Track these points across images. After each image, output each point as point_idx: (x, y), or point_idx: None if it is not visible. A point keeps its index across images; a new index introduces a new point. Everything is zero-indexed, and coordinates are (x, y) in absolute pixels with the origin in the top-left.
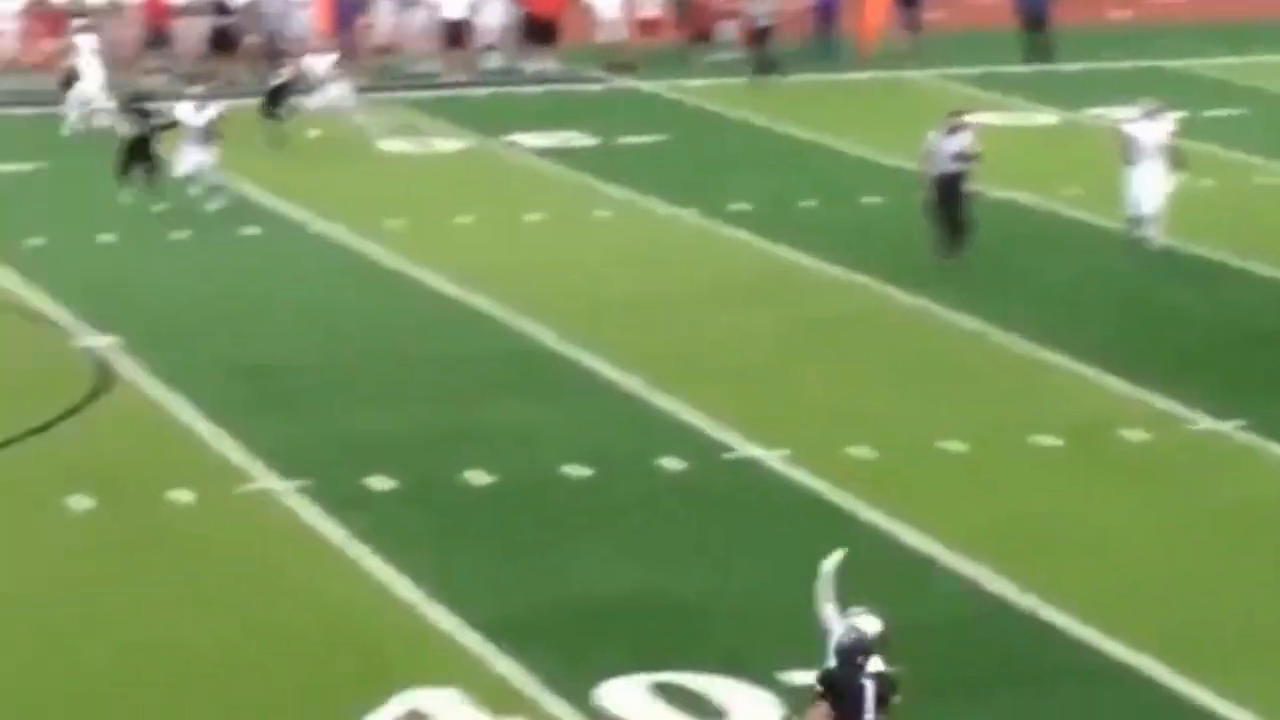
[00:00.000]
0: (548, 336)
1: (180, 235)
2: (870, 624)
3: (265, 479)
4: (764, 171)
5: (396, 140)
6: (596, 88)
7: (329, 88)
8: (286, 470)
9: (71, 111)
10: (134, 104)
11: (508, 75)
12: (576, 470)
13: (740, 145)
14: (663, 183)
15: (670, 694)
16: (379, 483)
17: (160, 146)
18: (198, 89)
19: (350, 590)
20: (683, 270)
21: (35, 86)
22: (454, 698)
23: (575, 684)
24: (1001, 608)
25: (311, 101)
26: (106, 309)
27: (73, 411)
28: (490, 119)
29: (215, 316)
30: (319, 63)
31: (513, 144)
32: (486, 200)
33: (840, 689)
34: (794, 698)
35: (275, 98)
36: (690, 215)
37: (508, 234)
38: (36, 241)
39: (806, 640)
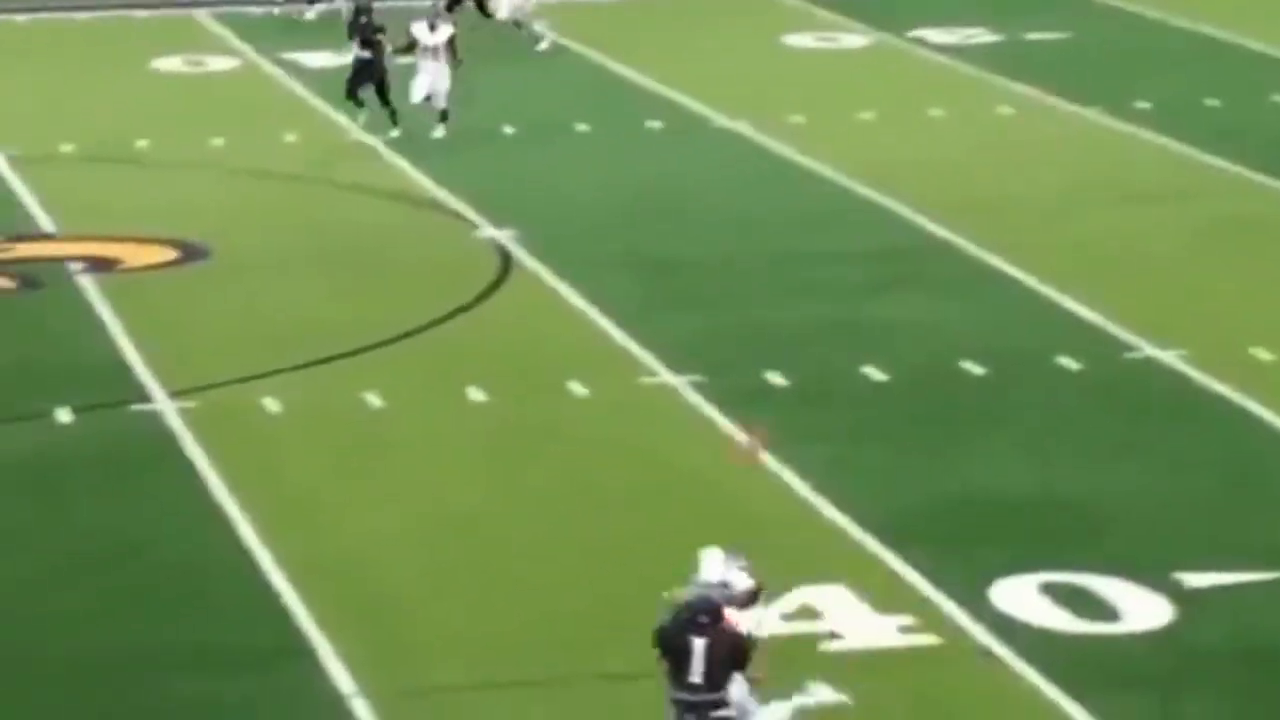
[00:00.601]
0: (947, 232)
1: (583, 128)
2: (736, 581)
3: (663, 373)
4: (1169, 69)
5: (799, 35)
6: None
7: None
8: (684, 365)
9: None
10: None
11: None
12: (973, 367)
13: (1145, 42)
14: (1066, 81)
15: (1061, 594)
16: (775, 378)
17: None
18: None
19: (745, 484)
20: (1084, 168)
21: None
22: (843, 594)
23: (965, 582)
24: None
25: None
26: (508, 201)
27: (474, 303)
28: (894, 14)
29: (615, 210)
30: None
31: (916, 40)
32: (889, 96)
33: (665, 650)
34: (1186, 601)
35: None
36: (1093, 114)
37: (909, 130)
38: (437, 134)
39: (1202, 543)
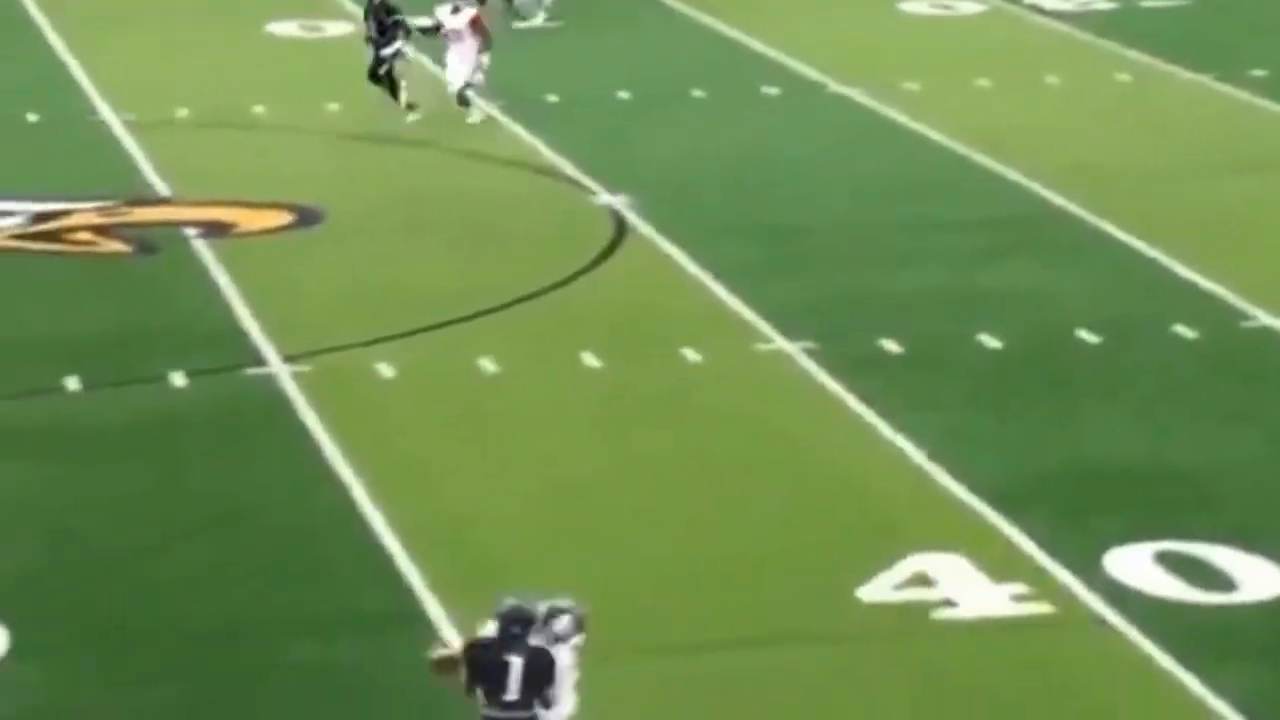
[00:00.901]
0: (1064, 200)
1: (698, 94)
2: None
3: (777, 339)
4: None
5: (915, 1)
6: None
7: None
8: (798, 331)
9: None
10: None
11: None
12: (1088, 335)
13: (1262, 9)
14: (1183, 48)
15: (1176, 563)
16: (889, 345)
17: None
18: None
19: (858, 452)
20: (1200, 135)
21: None
22: (958, 562)
23: (1079, 551)
24: None
25: None
26: (623, 166)
27: (589, 269)
28: None
29: (731, 175)
30: None
31: (1033, 6)
32: (1005, 63)
33: (483, 663)
34: None
35: None
36: (1209, 81)
37: (1025, 97)
38: (551, 98)
39: None
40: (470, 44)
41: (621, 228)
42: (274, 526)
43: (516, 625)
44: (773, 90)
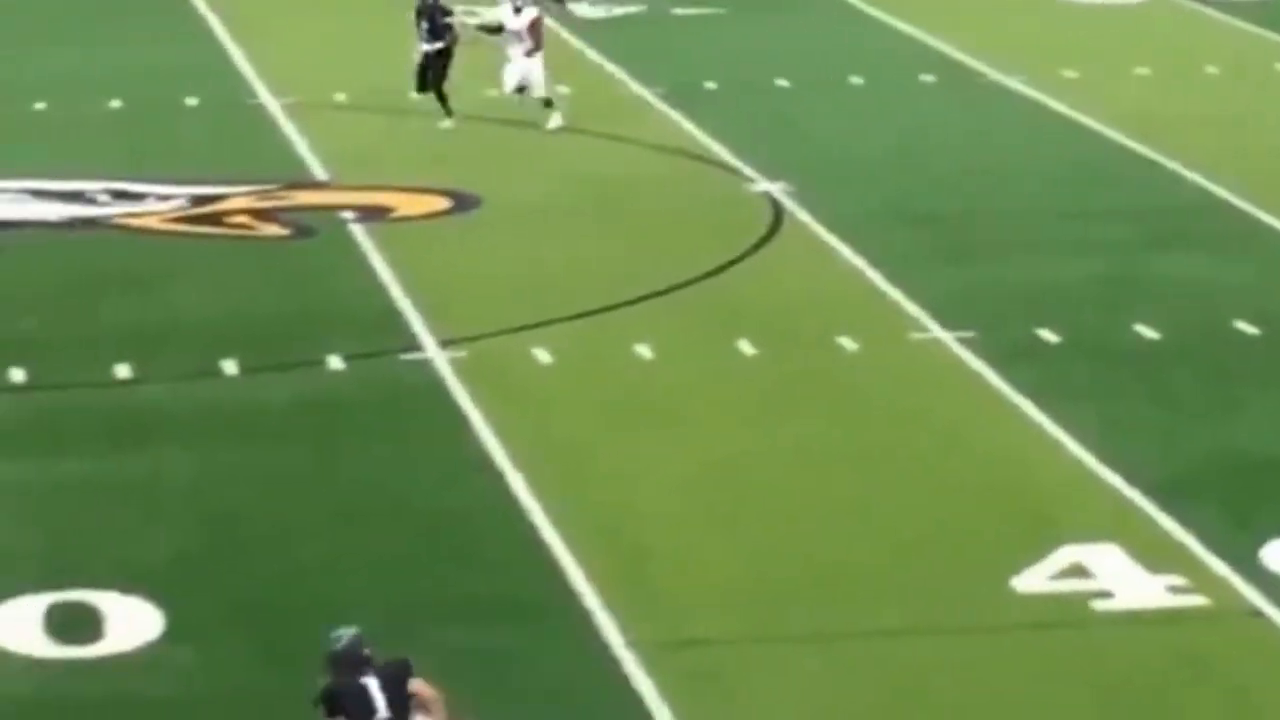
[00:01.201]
0: (1224, 190)
1: (856, 80)
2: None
3: (933, 328)
4: None
5: None
6: None
7: None
8: (955, 320)
9: None
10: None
11: None
12: (1248, 327)
13: None
14: None
15: None
16: (1047, 335)
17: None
18: None
19: (1015, 442)
20: None
21: None
22: (1114, 553)
23: (1237, 543)
24: None
25: None
26: (779, 153)
27: (746, 256)
28: None
29: (889, 163)
30: None
31: None
32: (1165, 52)
33: (341, 700)
34: None
35: None
36: None
37: (1185, 86)
38: (710, 85)
39: None
40: (529, 46)
41: (779, 215)
42: (430, 511)
43: (354, 659)
44: (930, 78)
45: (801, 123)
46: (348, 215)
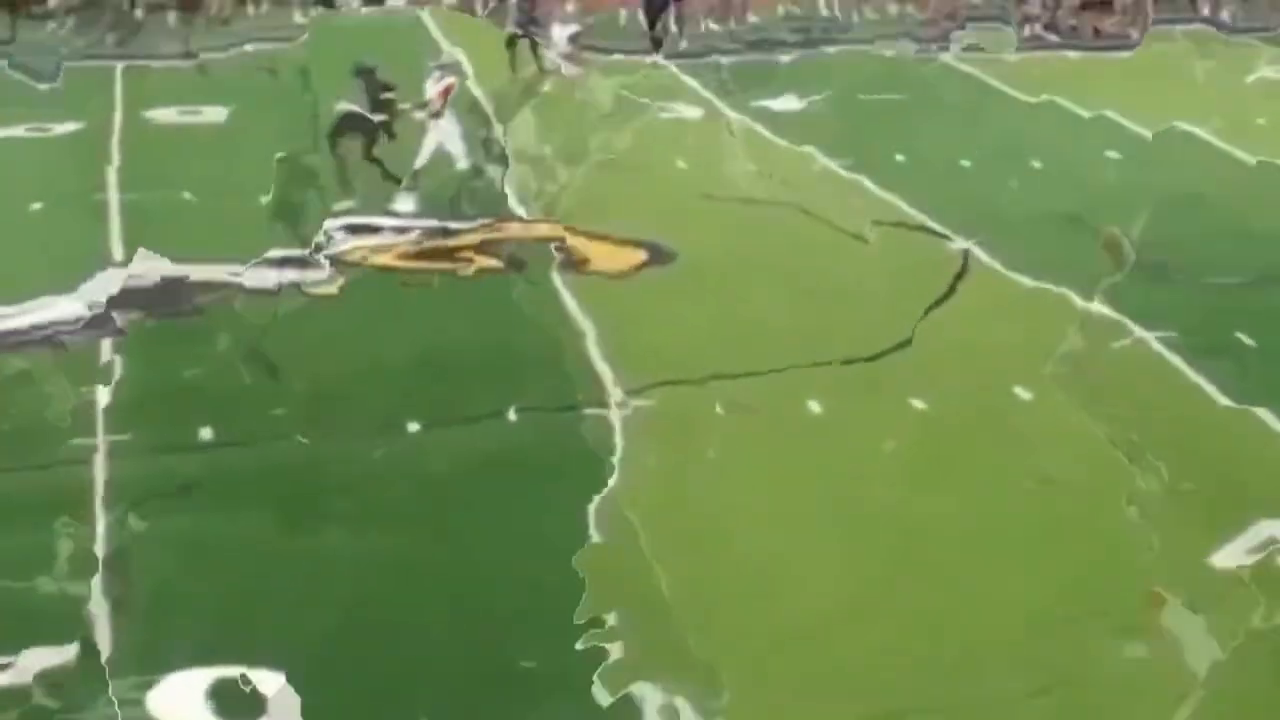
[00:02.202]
0: None
1: (1037, 164)
2: None
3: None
4: None
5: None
6: None
7: None
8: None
9: None
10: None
11: None
12: None
13: None
14: None
15: None
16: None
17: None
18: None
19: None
20: None
21: None
22: None
23: None
24: None
25: None
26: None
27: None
28: None
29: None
30: None
31: None
32: None
33: None
34: None
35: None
36: None
37: None
38: (900, 158)
39: None
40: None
41: (964, 269)
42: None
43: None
44: (1114, 154)
45: (986, 194)
46: (549, 260)
